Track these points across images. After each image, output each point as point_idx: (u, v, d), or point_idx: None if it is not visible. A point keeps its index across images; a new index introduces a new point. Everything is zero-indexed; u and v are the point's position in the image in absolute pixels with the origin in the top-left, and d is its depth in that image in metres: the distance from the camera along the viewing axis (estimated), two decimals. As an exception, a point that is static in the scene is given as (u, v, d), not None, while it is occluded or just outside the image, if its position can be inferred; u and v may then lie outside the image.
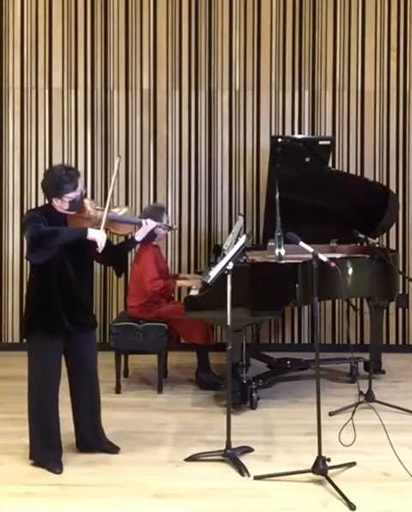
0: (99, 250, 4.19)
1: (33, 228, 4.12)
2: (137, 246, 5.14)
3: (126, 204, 7.04)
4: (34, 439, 4.34)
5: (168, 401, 5.61)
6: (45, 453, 4.32)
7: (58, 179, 4.21)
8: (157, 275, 5.84)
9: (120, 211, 4.57)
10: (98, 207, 4.44)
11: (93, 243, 4.21)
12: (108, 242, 4.37)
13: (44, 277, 4.25)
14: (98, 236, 4.18)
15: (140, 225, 4.59)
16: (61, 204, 4.26)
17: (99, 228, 4.25)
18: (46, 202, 4.44)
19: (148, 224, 4.58)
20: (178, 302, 6.16)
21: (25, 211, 7.08)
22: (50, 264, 4.19)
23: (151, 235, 5.78)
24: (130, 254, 5.88)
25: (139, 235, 4.57)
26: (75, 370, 4.43)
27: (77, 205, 4.30)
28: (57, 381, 4.33)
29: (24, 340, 4.43)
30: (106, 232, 4.35)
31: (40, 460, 4.32)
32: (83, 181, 7.07)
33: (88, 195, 7.02)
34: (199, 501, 3.93)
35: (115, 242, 5.04)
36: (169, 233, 6.31)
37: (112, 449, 4.54)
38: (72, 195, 4.23)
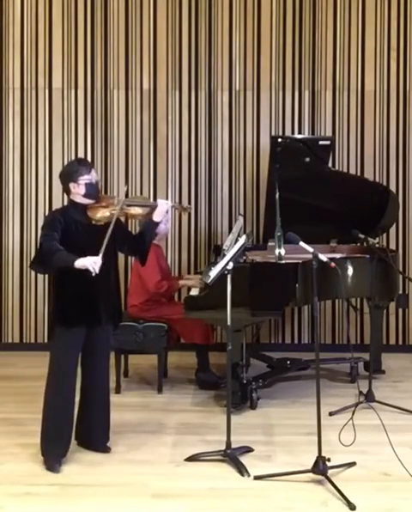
0: (93, 274, 4.17)
1: (45, 236, 4.27)
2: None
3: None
4: (47, 432, 4.35)
5: (168, 401, 5.61)
6: (54, 447, 4.33)
7: (72, 166, 4.48)
8: (159, 277, 5.84)
9: (135, 198, 4.75)
10: (113, 196, 4.62)
11: (86, 272, 4.20)
12: (128, 232, 4.63)
13: (66, 270, 4.29)
14: (87, 263, 4.17)
15: (155, 208, 4.59)
16: (78, 190, 4.39)
17: (113, 215, 4.33)
18: (67, 201, 4.55)
19: (163, 204, 4.57)
20: (179, 302, 6.16)
21: (25, 211, 7.14)
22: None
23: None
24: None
25: (157, 216, 4.56)
26: (87, 366, 4.49)
27: (94, 191, 4.44)
28: (74, 376, 4.37)
29: (24, 340, 4.45)
30: (123, 217, 4.53)
31: (47, 453, 4.33)
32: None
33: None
34: (199, 501, 3.93)
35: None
36: (168, 227, 6.25)
37: (105, 449, 4.56)
38: (87, 177, 4.40)
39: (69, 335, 4.34)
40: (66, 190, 4.48)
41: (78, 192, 4.40)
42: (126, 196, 4.50)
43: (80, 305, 4.35)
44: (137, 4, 7.13)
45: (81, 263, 4.17)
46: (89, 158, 7.13)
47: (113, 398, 5.54)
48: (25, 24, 7.14)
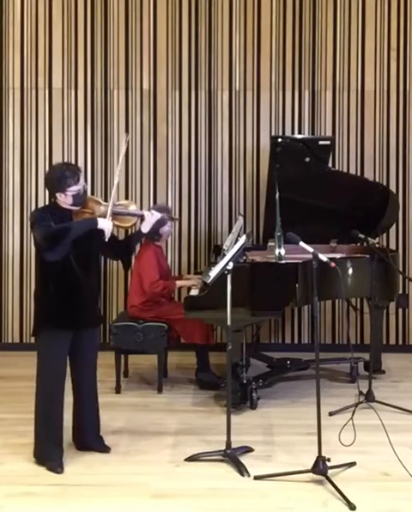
0: (106, 239, 4.25)
1: (43, 227, 4.20)
2: (142, 240, 5.15)
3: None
4: (39, 435, 4.34)
5: (168, 401, 5.61)
6: (49, 450, 4.32)
7: (60, 175, 4.31)
8: (157, 277, 5.84)
9: (123, 205, 4.60)
10: (101, 201, 4.51)
11: (100, 235, 4.27)
12: (114, 236, 4.51)
13: (49, 273, 4.29)
14: (106, 226, 4.26)
15: (143, 217, 4.57)
16: (65, 199, 4.32)
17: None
18: (50, 201, 4.50)
19: (153, 215, 4.56)
20: (179, 302, 6.16)
21: (25, 211, 7.12)
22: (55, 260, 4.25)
23: (155, 234, 5.80)
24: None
25: (145, 227, 4.55)
26: (76, 367, 4.46)
27: (81, 200, 4.38)
28: (64, 377, 4.36)
29: (24, 340, 4.45)
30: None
31: (43, 456, 4.32)
32: (83, 180, 7.07)
33: (89, 192, 7.03)
34: (199, 501, 3.93)
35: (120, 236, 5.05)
36: (171, 229, 6.27)
37: (105, 449, 4.55)
38: (75, 188, 4.31)
39: (56, 338, 4.30)
40: (51, 195, 4.42)
41: (65, 201, 4.33)
42: (113, 203, 4.42)
43: (66, 308, 4.31)
44: (137, 4, 7.13)
45: (104, 224, 4.24)
46: (89, 158, 7.14)
47: (113, 398, 5.57)
48: (25, 24, 7.14)
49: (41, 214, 4.33)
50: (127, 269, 4.76)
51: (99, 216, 4.34)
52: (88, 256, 4.35)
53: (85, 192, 4.45)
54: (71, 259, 4.28)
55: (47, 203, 7.08)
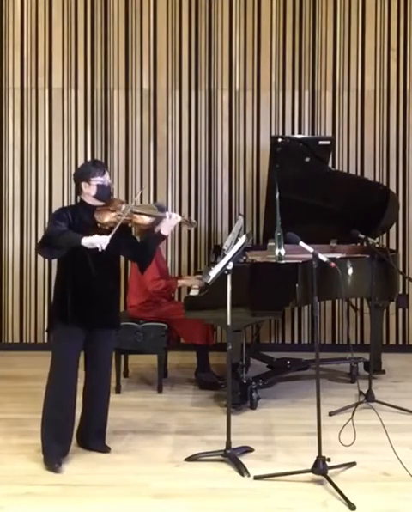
0: (100, 249, 4.20)
1: (53, 226, 4.30)
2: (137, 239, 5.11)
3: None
4: (46, 432, 4.35)
5: (168, 401, 5.61)
6: (52, 447, 4.32)
7: (86, 166, 4.53)
8: (158, 275, 5.84)
9: (143, 206, 4.64)
10: (124, 201, 4.59)
11: (116, 242, 4.25)
12: (134, 239, 4.59)
13: (65, 271, 4.36)
14: (94, 241, 4.19)
15: (162, 219, 4.54)
16: (89, 190, 4.40)
17: (119, 220, 4.31)
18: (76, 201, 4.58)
19: (172, 218, 4.52)
20: (179, 302, 6.16)
21: (25, 211, 7.14)
22: (72, 258, 4.30)
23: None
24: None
25: (165, 229, 4.51)
26: (89, 367, 4.50)
27: (106, 193, 4.45)
28: (76, 374, 4.37)
29: (24, 340, 4.46)
30: (129, 224, 4.44)
31: (46, 453, 4.33)
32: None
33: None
34: (199, 501, 3.93)
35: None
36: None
37: (105, 449, 4.56)
38: (100, 178, 4.40)
39: (68, 334, 4.34)
40: (78, 189, 4.50)
41: (89, 192, 4.41)
42: (141, 200, 4.48)
43: (79, 306, 4.34)
44: (137, 4, 7.13)
45: (89, 240, 4.19)
46: (89, 158, 7.13)
47: (113, 398, 5.54)
48: (25, 24, 7.14)
49: (60, 212, 4.42)
50: (142, 272, 4.74)
51: (119, 216, 4.33)
52: (105, 256, 4.29)
53: (110, 187, 4.52)
54: (88, 258, 4.30)
55: (47, 203, 7.16)
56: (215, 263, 5.38)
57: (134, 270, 6.00)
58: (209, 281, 4.72)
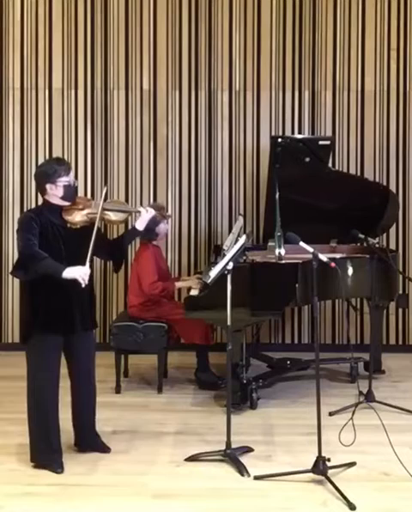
0: (83, 285, 4.11)
1: (25, 240, 4.19)
2: (138, 239, 5.07)
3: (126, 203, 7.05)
4: (35, 441, 4.32)
5: (168, 401, 5.61)
6: (47, 455, 4.30)
7: (50, 166, 4.29)
8: (155, 278, 5.82)
9: (115, 202, 4.58)
10: (90, 198, 4.48)
11: (89, 240, 4.14)
12: (105, 237, 4.46)
13: (40, 278, 4.18)
14: (76, 275, 4.09)
15: (137, 214, 4.52)
16: (56, 191, 4.26)
17: (94, 217, 4.22)
18: (39, 202, 4.45)
19: (148, 212, 4.48)
20: (179, 302, 6.16)
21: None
22: None
23: (152, 234, 5.80)
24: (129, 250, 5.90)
25: (139, 224, 4.47)
26: (72, 370, 4.43)
27: (71, 193, 4.31)
28: (57, 381, 4.32)
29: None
30: (100, 222, 4.32)
31: (42, 462, 4.31)
32: (83, 181, 7.09)
33: (89, 193, 7.05)
34: (199, 501, 3.93)
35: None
36: (168, 227, 6.26)
37: (105, 449, 4.55)
38: (65, 179, 4.26)
39: (46, 343, 4.23)
40: (41, 190, 4.33)
41: (56, 193, 4.26)
42: (105, 198, 4.39)
43: (53, 313, 4.22)
44: (137, 4, 7.13)
45: (71, 274, 4.07)
46: (89, 158, 7.14)
47: (113, 398, 5.57)
48: (25, 24, 7.14)
49: (29, 222, 4.23)
50: (117, 270, 4.65)
51: (90, 214, 4.26)
52: (78, 259, 4.16)
53: (76, 187, 4.38)
54: (63, 260, 4.18)
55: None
56: (215, 263, 5.38)
57: (134, 270, 6.01)
58: (209, 281, 4.72)
